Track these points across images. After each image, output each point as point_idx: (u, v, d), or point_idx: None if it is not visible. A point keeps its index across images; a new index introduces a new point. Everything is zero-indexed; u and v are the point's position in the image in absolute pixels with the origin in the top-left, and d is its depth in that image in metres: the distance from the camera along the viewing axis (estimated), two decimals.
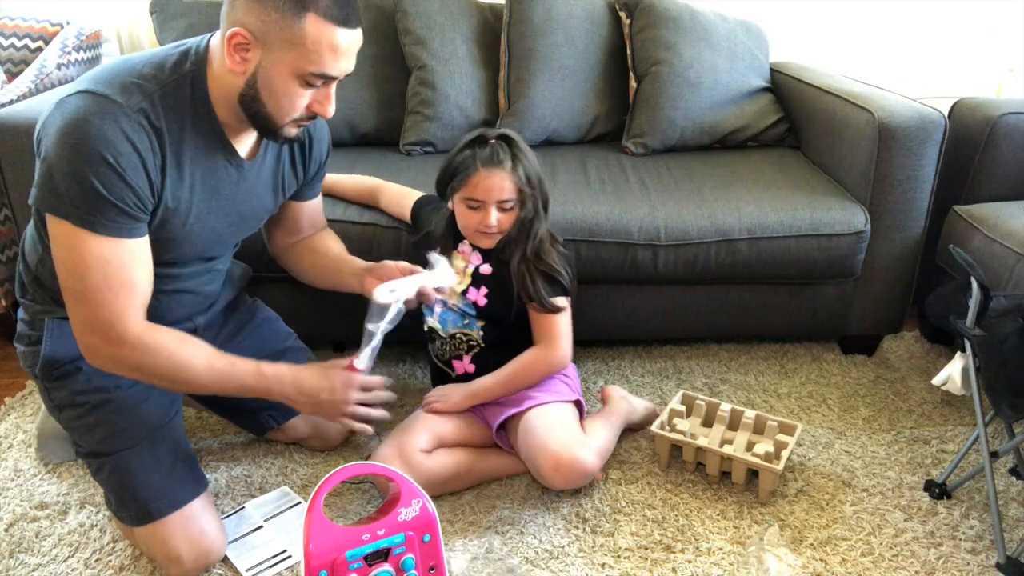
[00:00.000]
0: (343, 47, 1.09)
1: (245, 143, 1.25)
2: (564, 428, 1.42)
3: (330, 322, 1.76)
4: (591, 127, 2.19)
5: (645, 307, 1.85)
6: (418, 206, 1.65)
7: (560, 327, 1.49)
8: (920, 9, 2.53)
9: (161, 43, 2.20)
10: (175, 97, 1.12)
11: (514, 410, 1.47)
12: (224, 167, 1.22)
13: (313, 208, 1.52)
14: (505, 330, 1.52)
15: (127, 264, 1.11)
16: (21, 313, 1.31)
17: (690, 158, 2.06)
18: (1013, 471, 1.48)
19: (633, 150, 2.10)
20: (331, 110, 1.17)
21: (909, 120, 1.73)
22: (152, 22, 2.21)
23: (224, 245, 1.35)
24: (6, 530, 1.39)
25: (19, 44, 2.21)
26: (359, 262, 1.48)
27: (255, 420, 1.55)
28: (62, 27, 2.21)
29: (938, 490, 1.48)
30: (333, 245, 1.54)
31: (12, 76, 2.17)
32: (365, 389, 1.28)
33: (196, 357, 1.18)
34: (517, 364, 1.49)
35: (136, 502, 1.26)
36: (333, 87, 1.15)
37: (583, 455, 1.37)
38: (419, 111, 2.09)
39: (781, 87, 2.22)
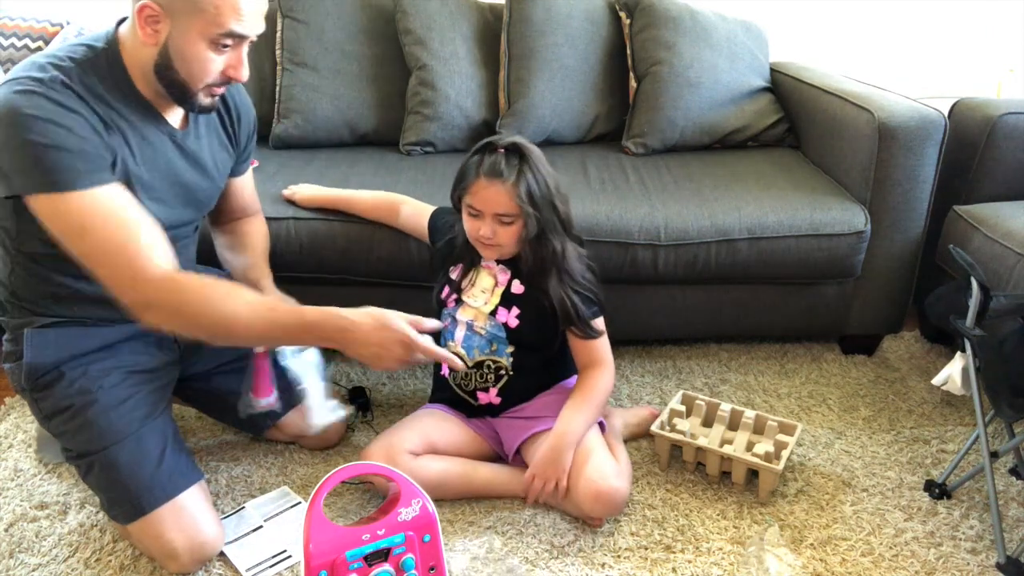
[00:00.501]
0: (243, 7, 1.11)
1: (173, 116, 1.25)
2: (599, 456, 1.37)
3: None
4: (591, 127, 2.19)
5: (645, 307, 1.85)
6: (434, 217, 1.58)
7: (606, 347, 1.46)
8: (920, 9, 2.54)
9: None
10: (93, 72, 1.13)
11: (539, 428, 1.43)
12: (158, 135, 1.22)
13: (241, 186, 1.50)
14: (537, 357, 1.46)
15: (115, 209, 1.10)
16: (6, 334, 1.31)
17: (690, 158, 2.06)
18: (1013, 471, 1.48)
19: (633, 150, 2.10)
20: (244, 74, 1.18)
21: (909, 120, 1.73)
22: None
23: (175, 219, 1.30)
24: (6, 530, 1.39)
25: (19, 44, 2.21)
26: (264, 285, 1.43)
27: (250, 419, 1.55)
28: (62, 27, 2.21)
29: (938, 490, 1.48)
30: (257, 244, 1.50)
31: None
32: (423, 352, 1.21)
33: (231, 295, 1.16)
34: (594, 395, 1.43)
35: (127, 497, 1.25)
36: (244, 50, 1.17)
37: (623, 486, 1.37)
38: (419, 111, 2.09)
39: (781, 87, 2.22)
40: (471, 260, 1.46)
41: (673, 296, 1.84)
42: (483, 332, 1.44)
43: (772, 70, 2.25)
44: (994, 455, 1.35)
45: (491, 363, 1.46)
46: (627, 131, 2.15)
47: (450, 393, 1.52)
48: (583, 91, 2.15)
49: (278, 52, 2.15)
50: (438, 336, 1.50)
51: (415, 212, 1.62)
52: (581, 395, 1.44)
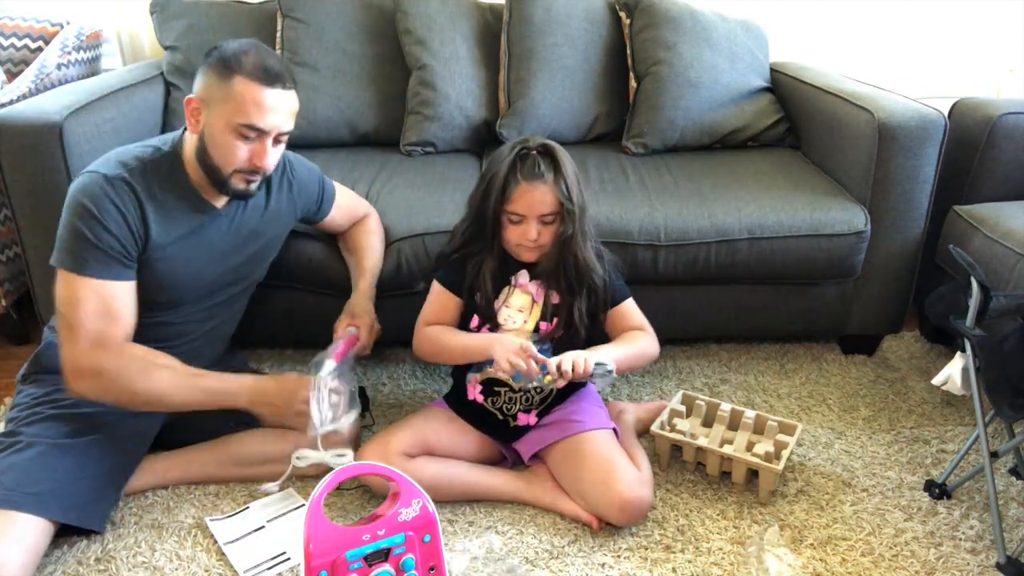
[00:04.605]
0: (267, 104, 1.29)
1: (220, 198, 1.41)
2: (621, 466, 1.38)
3: (329, 327, 1.75)
4: (591, 127, 2.19)
5: (645, 307, 1.83)
6: (447, 283, 1.47)
7: (641, 314, 1.51)
8: (920, 9, 2.53)
9: (161, 43, 2.20)
10: (154, 170, 1.35)
11: (559, 436, 1.43)
12: (200, 219, 1.40)
13: (331, 220, 1.66)
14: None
15: (113, 297, 1.30)
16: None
17: (690, 158, 2.06)
18: (1013, 471, 1.48)
19: (633, 150, 2.10)
20: (269, 163, 1.34)
21: (909, 120, 1.73)
22: (152, 22, 2.21)
23: (218, 282, 1.47)
24: None
25: (19, 44, 2.21)
26: (360, 284, 1.61)
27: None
28: (62, 27, 2.21)
29: (938, 490, 1.48)
30: (359, 248, 1.66)
31: (12, 76, 2.17)
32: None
33: (167, 366, 1.34)
34: (631, 344, 1.44)
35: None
36: (269, 143, 1.32)
37: (647, 494, 1.37)
38: (419, 111, 2.09)
39: (781, 87, 2.22)
40: (501, 281, 1.45)
41: (673, 296, 1.84)
42: None
43: (772, 70, 2.25)
44: (994, 455, 1.36)
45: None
46: (627, 131, 2.15)
47: (481, 417, 1.50)
48: (583, 91, 2.15)
49: (278, 52, 2.15)
50: (474, 363, 1.48)
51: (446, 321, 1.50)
52: (631, 347, 1.44)
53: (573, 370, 1.30)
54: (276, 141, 1.35)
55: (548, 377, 1.32)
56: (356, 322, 1.52)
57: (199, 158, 1.34)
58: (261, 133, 1.31)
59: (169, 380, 1.33)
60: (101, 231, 1.27)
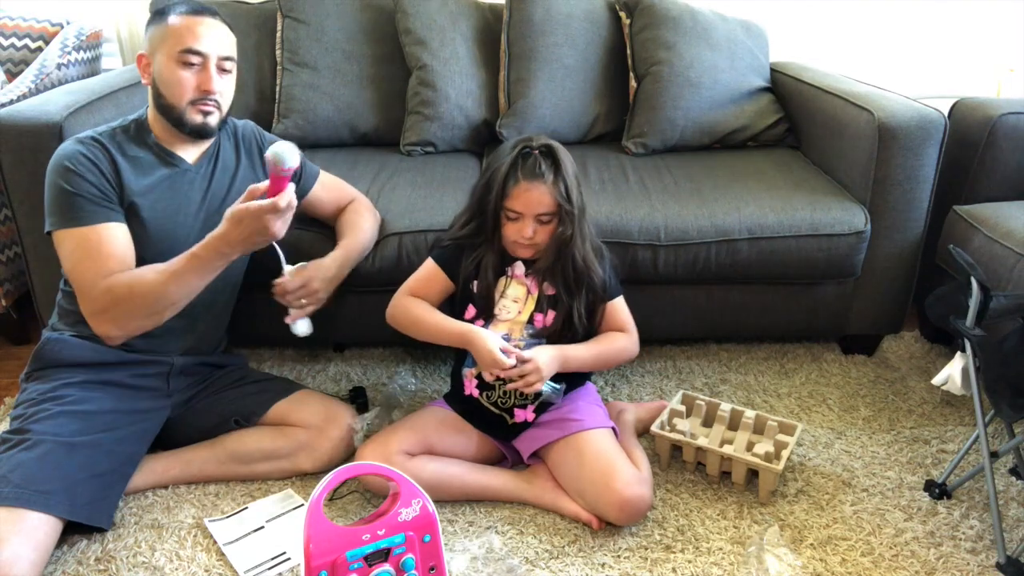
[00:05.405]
0: (198, 29, 1.39)
1: (189, 153, 1.49)
2: (620, 466, 1.38)
3: (330, 324, 1.76)
4: (591, 127, 2.19)
5: (645, 307, 1.84)
6: (441, 264, 1.50)
7: (628, 314, 1.53)
8: (920, 9, 2.54)
9: None
10: (123, 133, 1.46)
11: (559, 435, 1.43)
12: (169, 171, 1.46)
13: (316, 198, 1.67)
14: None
15: (102, 241, 1.36)
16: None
17: (690, 158, 2.06)
18: (1013, 471, 1.48)
19: (633, 150, 2.10)
20: (214, 85, 1.41)
21: (909, 120, 1.73)
22: None
23: (200, 237, 1.41)
24: None
25: (19, 44, 2.21)
26: (330, 253, 1.57)
27: (243, 412, 1.54)
28: (62, 27, 2.21)
29: (938, 490, 1.48)
30: (343, 233, 1.63)
31: (12, 76, 2.17)
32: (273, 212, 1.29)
33: (148, 270, 1.36)
34: (608, 345, 1.48)
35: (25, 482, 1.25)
36: (213, 68, 1.41)
37: (646, 493, 1.37)
38: (419, 111, 2.09)
39: (781, 87, 2.22)
40: (498, 273, 1.46)
41: (673, 296, 1.84)
42: (521, 345, 1.44)
43: (772, 70, 2.25)
44: (994, 455, 1.36)
45: None
46: (627, 131, 2.15)
47: (479, 414, 1.50)
48: (583, 91, 2.15)
49: (278, 52, 2.15)
50: (469, 357, 1.48)
51: (433, 296, 1.51)
52: (599, 345, 1.48)
53: (523, 379, 1.36)
54: (222, 70, 1.43)
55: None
56: (302, 273, 1.46)
57: (156, 105, 1.43)
58: (202, 57, 1.40)
59: (155, 278, 1.34)
60: (78, 180, 1.36)
